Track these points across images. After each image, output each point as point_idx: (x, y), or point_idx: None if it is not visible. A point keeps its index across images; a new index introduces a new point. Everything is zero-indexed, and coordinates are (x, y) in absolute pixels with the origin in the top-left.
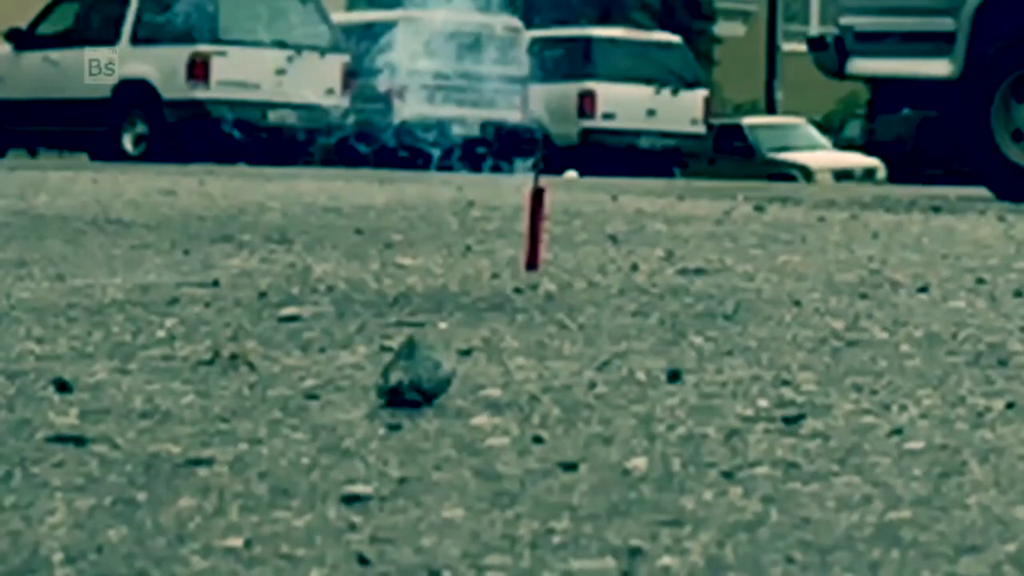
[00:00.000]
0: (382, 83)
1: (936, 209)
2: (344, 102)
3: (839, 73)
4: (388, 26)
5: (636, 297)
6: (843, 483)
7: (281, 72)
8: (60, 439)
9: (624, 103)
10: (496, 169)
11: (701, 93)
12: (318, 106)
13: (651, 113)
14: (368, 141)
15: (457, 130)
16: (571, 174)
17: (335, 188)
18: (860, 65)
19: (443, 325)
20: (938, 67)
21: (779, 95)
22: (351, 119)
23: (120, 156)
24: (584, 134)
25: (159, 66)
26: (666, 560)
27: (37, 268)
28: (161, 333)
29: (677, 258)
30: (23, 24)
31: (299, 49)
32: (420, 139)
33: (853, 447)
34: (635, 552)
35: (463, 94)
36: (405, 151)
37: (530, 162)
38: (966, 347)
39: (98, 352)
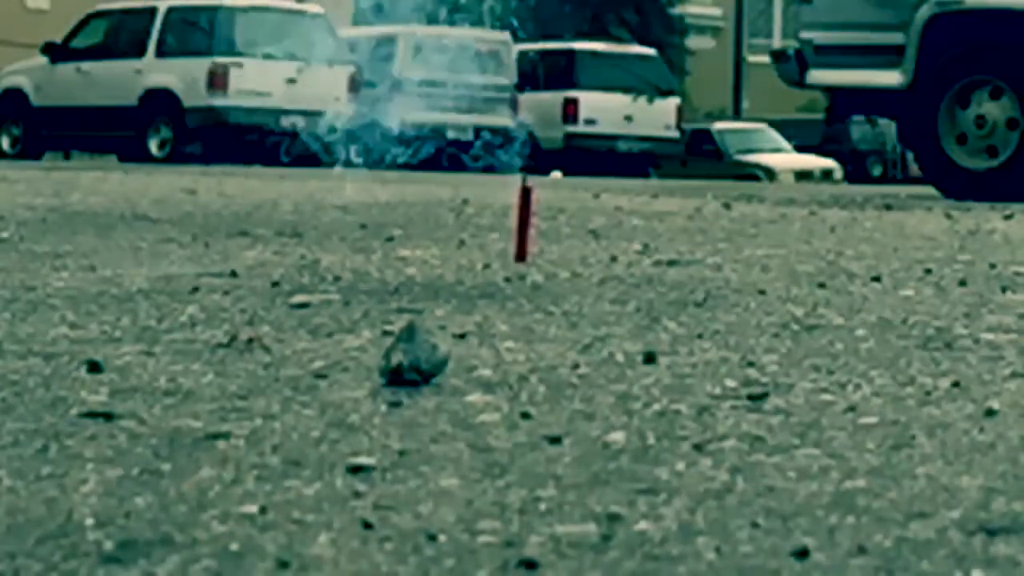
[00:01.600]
0: (385, 90)
1: (888, 207)
2: (350, 108)
3: (800, 83)
4: (390, 39)
5: (615, 286)
6: (803, 455)
7: (292, 81)
8: (92, 415)
9: (604, 110)
10: (488, 170)
11: (674, 101)
12: (326, 112)
13: (629, 119)
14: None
15: (452, 133)
16: (556, 174)
17: (341, 187)
18: (819, 76)
19: (440, 311)
20: (890, 77)
21: (745, 103)
22: (356, 123)
23: (146, 158)
24: (568, 138)
25: (182, 77)
26: (642, 525)
27: (71, 260)
28: (183, 319)
29: (652, 251)
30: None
31: (308, 60)
32: (419, 141)
33: (812, 422)
34: (614, 518)
35: (458, 101)
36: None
37: (519, 164)
38: (915, 331)
39: (126, 336)
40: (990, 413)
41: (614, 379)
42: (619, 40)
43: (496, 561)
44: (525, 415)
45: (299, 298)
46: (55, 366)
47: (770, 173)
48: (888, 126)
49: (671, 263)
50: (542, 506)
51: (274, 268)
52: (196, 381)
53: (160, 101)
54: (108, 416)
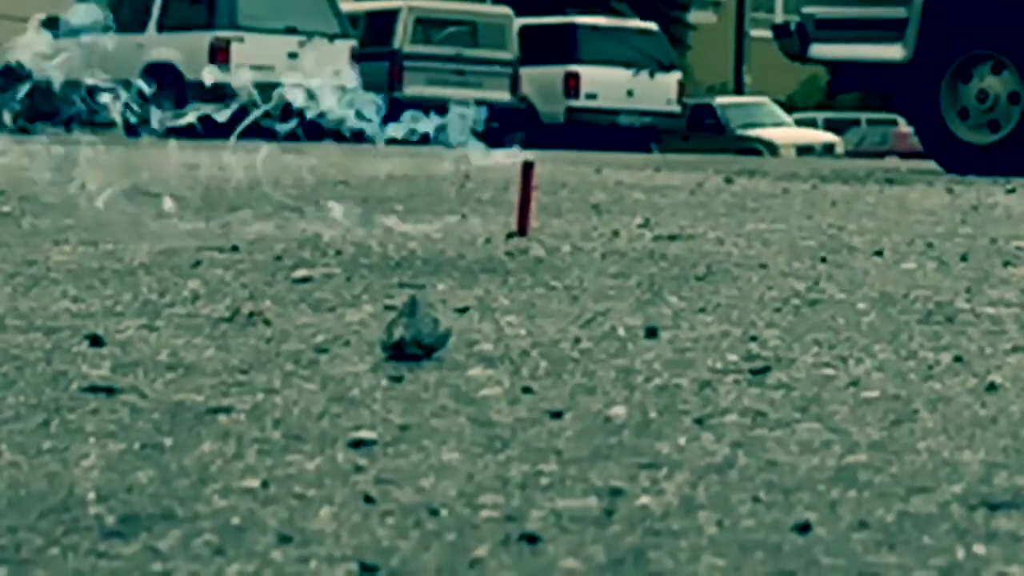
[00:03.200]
0: (383, 65)
1: (889, 181)
2: (351, 83)
3: (801, 57)
4: (391, 14)
5: (617, 260)
6: (805, 429)
7: (293, 56)
8: (93, 389)
9: (606, 84)
10: (489, 144)
11: (676, 75)
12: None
13: (630, 93)
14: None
15: (453, 108)
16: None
17: (343, 162)
18: (820, 50)
19: (441, 286)
20: (892, 51)
21: (747, 77)
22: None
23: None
24: (569, 112)
25: (184, 50)
26: (644, 500)
27: (72, 234)
28: (185, 293)
29: (654, 225)
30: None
31: (310, 35)
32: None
33: (814, 396)
34: (616, 492)
35: (459, 76)
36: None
37: (520, 138)
38: (916, 306)
39: (128, 310)
40: (992, 387)
41: (615, 353)
42: (621, 14)
43: (498, 535)
44: (527, 389)
45: (301, 272)
46: (57, 340)
47: (772, 147)
48: None
49: (673, 237)
50: (543, 480)
51: (276, 242)
52: (198, 355)
53: (162, 75)
54: (110, 390)
